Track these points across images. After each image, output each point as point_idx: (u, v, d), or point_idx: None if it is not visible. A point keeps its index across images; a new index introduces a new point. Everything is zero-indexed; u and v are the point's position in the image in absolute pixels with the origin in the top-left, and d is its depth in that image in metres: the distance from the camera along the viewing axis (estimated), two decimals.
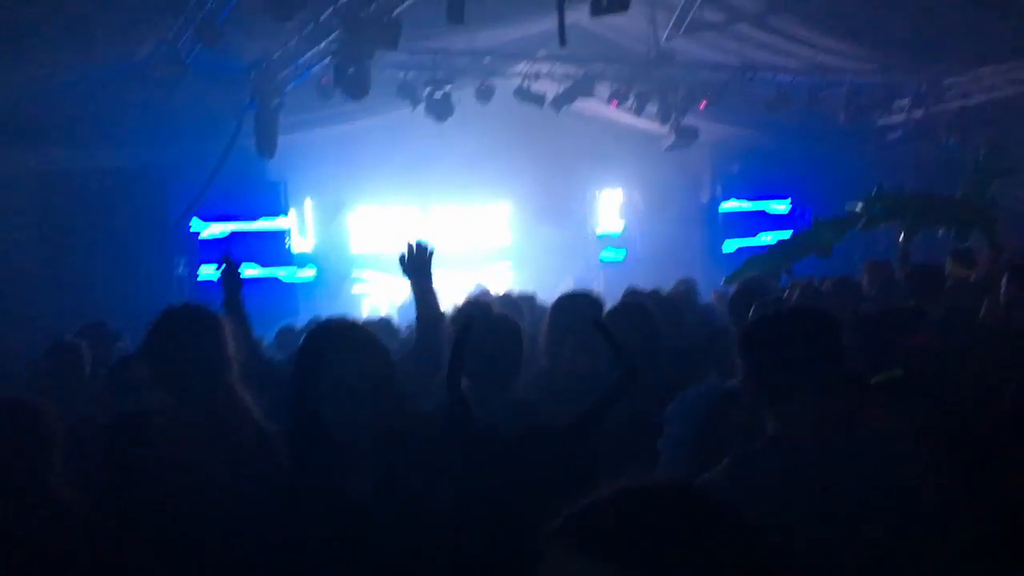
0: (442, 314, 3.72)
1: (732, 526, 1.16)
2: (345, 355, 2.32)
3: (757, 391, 2.26)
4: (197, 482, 2.47)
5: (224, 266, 3.85)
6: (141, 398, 3.55)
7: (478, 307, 4.09)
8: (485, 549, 2.10)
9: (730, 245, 17.51)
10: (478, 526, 2.14)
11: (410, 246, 3.69)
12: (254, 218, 14.22)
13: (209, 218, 13.71)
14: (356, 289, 15.76)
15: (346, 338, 2.38)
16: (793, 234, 9.49)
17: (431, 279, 3.62)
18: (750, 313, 4.47)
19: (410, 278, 3.65)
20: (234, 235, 14.04)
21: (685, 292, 7.16)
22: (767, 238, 17.04)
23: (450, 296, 4.33)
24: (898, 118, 16.60)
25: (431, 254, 3.66)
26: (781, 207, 17.92)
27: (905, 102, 16.30)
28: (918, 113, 16.11)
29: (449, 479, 2.22)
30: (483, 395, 2.90)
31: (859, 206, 8.74)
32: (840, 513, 2.01)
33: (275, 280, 14.32)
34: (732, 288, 7.75)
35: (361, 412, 2.25)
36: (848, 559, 1.99)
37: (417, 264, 3.64)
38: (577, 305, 3.92)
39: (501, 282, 15.42)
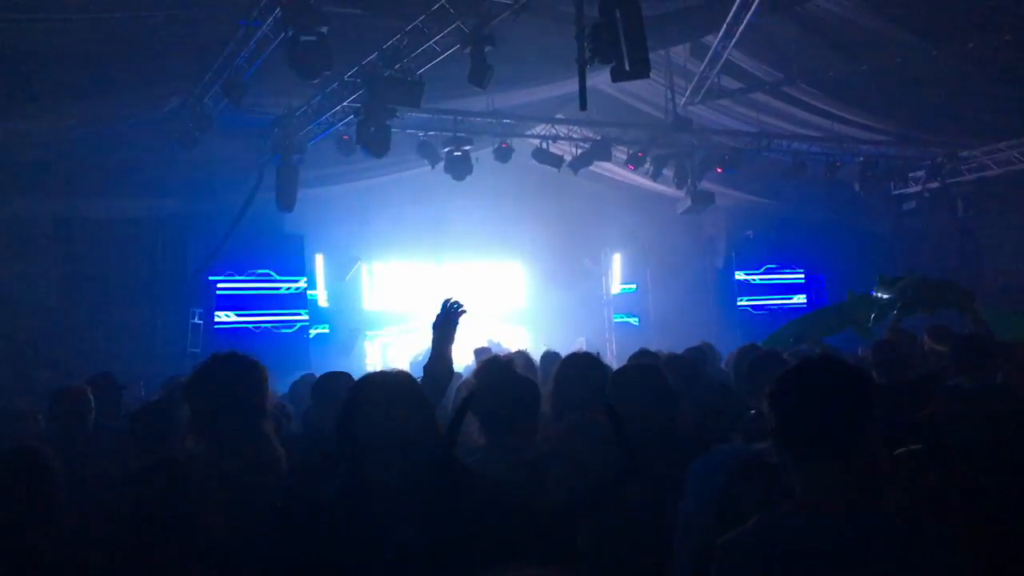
0: (451, 368, 3.91)
1: None
2: (383, 405, 2.33)
3: (782, 449, 2.17)
4: (229, 529, 2.45)
5: None
6: (166, 446, 3.55)
7: (501, 366, 4.13)
8: None
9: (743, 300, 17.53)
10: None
11: (445, 304, 3.93)
12: (271, 273, 14.34)
13: (227, 271, 13.82)
14: (368, 343, 15.79)
15: (386, 388, 2.38)
16: (831, 305, 9.39)
17: (452, 338, 3.83)
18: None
19: (434, 332, 3.85)
20: (251, 287, 14.17)
21: (701, 356, 7.08)
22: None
23: (462, 353, 4.47)
24: (914, 189, 16.68)
25: (459, 314, 3.91)
26: (796, 276, 17.95)
27: (920, 173, 16.39)
28: (934, 184, 16.18)
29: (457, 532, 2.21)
30: (498, 454, 2.89)
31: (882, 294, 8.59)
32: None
33: (287, 333, 14.36)
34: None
35: (399, 460, 2.25)
36: None
37: (444, 322, 3.86)
38: (581, 366, 3.97)
39: (515, 341, 15.43)
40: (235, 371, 2.90)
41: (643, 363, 4.30)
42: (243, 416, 2.82)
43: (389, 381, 2.42)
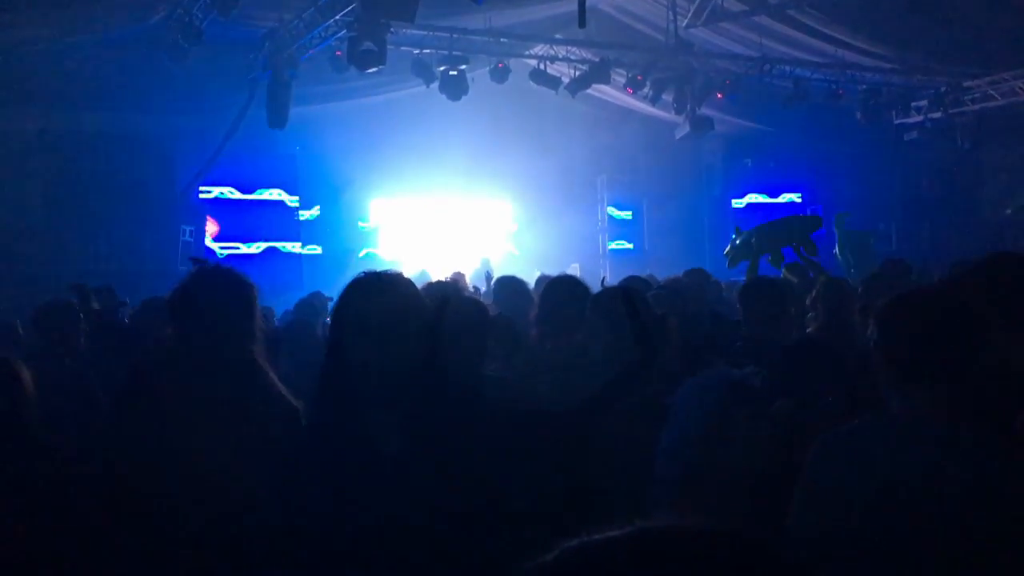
0: None
1: None
2: (370, 295, 2.24)
3: (886, 369, 2.26)
4: (213, 445, 2.38)
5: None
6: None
7: (446, 288, 4.02)
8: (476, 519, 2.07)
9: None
10: (467, 496, 2.11)
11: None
12: (263, 189, 14.20)
13: (217, 186, 13.68)
14: (363, 263, 15.72)
15: (376, 280, 2.29)
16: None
17: None
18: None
19: None
20: (243, 205, 14.04)
21: (695, 284, 7.00)
22: None
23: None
24: (916, 119, 16.46)
25: None
26: (794, 199, 17.81)
27: (923, 103, 16.16)
28: (936, 114, 15.96)
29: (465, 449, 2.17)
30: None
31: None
32: (943, 497, 2.06)
33: (280, 252, 14.30)
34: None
35: (384, 352, 2.17)
36: (942, 545, 2.04)
37: None
38: (566, 288, 3.93)
39: (505, 266, 15.39)
40: (221, 289, 2.74)
41: (626, 287, 4.22)
42: (231, 333, 2.68)
43: (383, 276, 2.33)
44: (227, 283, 2.75)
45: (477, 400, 2.48)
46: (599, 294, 3.34)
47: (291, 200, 14.61)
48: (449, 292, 3.35)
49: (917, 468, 2.11)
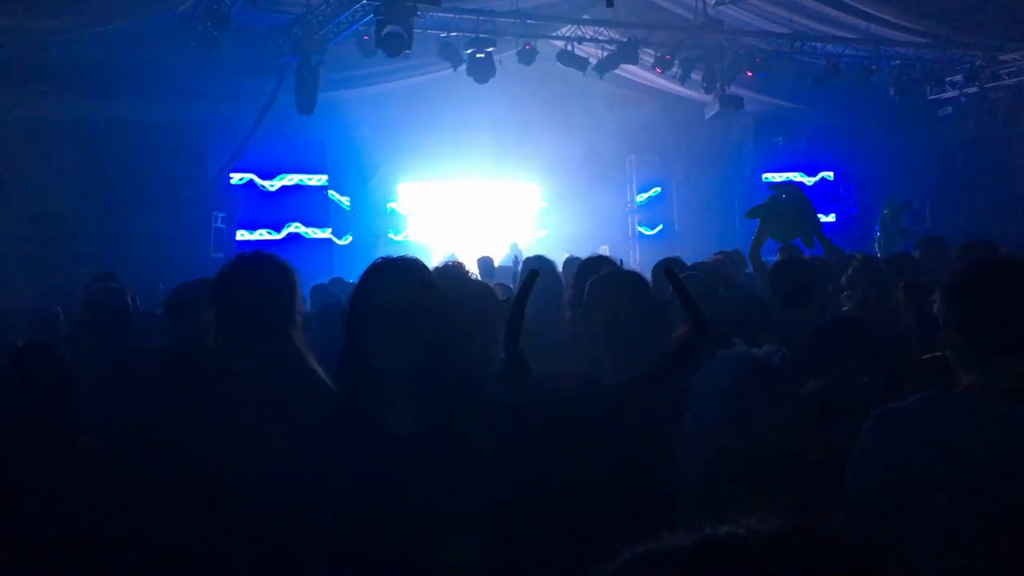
0: None
1: None
2: (387, 278, 2.27)
3: (958, 343, 2.20)
4: (242, 425, 2.42)
5: None
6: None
7: (455, 272, 3.99)
8: (532, 498, 2.07)
9: None
10: (528, 477, 2.10)
11: None
12: (292, 175, 14.26)
13: (247, 172, 13.78)
14: (392, 248, 15.75)
15: (393, 265, 2.31)
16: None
17: None
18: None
19: None
20: (272, 191, 14.13)
21: (724, 265, 6.95)
22: None
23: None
24: (951, 94, 16.16)
25: None
26: (826, 176, 17.58)
27: (958, 78, 15.86)
28: (972, 89, 15.64)
29: (500, 430, 2.17)
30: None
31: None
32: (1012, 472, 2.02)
33: (310, 238, 14.39)
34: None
35: (399, 336, 2.19)
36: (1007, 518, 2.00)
37: None
38: (598, 271, 3.89)
39: (535, 249, 15.34)
40: (263, 274, 2.78)
41: (631, 269, 4.19)
42: (268, 318, 2.69)
43: (400, 261, 2.35)
44: (269, 268, 2.79)
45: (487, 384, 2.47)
46: (597, 278, 3.28)
47: (321, 185, 14.68)
48: (453, 276, 3.33)
49: (998, 444, 2.05)
